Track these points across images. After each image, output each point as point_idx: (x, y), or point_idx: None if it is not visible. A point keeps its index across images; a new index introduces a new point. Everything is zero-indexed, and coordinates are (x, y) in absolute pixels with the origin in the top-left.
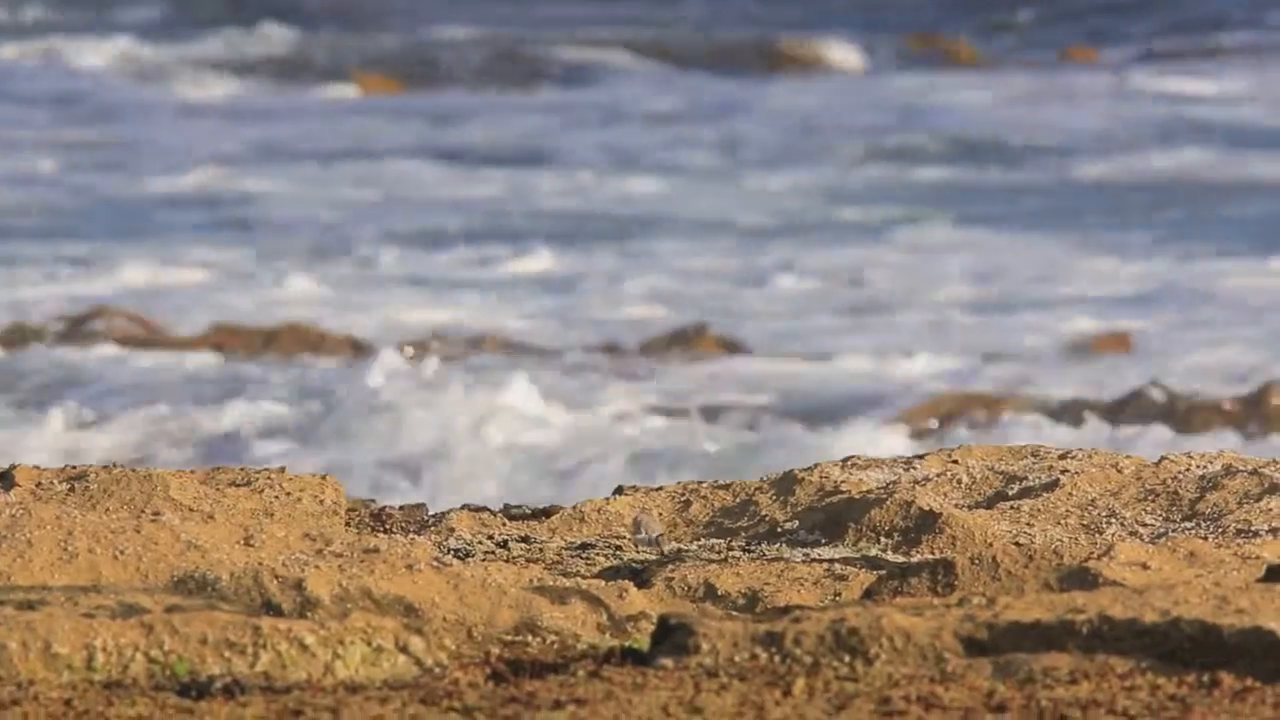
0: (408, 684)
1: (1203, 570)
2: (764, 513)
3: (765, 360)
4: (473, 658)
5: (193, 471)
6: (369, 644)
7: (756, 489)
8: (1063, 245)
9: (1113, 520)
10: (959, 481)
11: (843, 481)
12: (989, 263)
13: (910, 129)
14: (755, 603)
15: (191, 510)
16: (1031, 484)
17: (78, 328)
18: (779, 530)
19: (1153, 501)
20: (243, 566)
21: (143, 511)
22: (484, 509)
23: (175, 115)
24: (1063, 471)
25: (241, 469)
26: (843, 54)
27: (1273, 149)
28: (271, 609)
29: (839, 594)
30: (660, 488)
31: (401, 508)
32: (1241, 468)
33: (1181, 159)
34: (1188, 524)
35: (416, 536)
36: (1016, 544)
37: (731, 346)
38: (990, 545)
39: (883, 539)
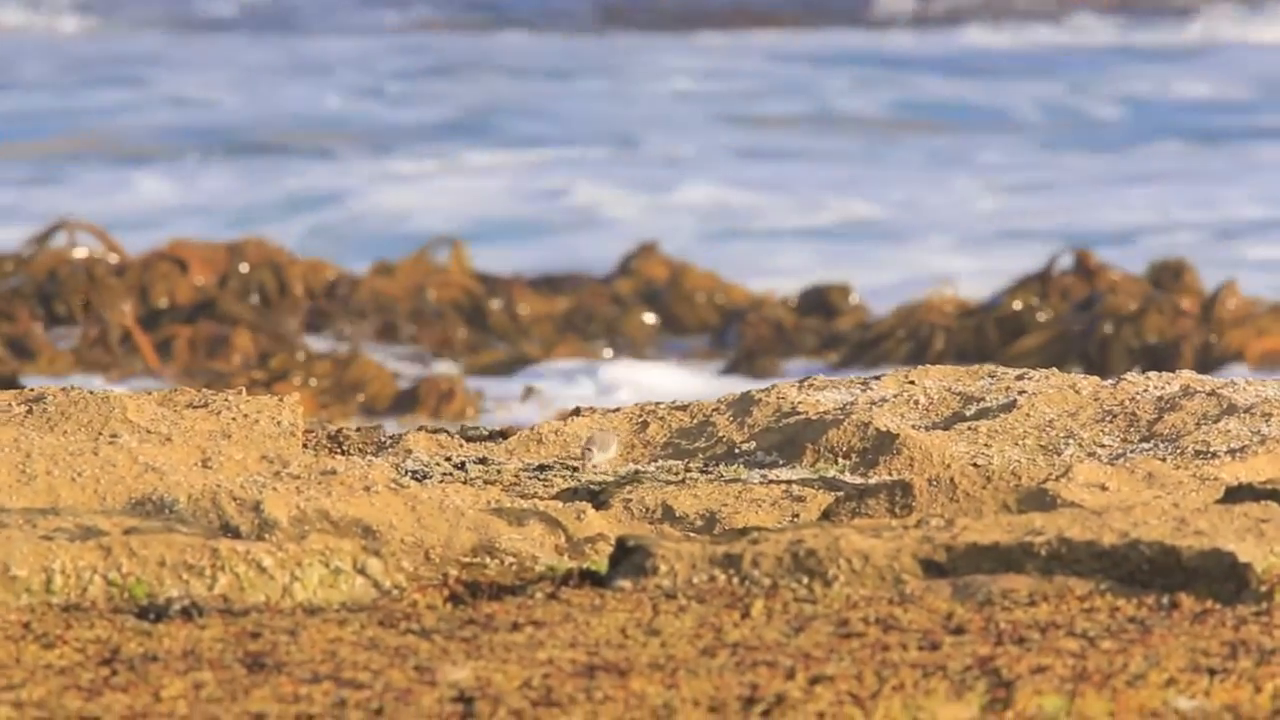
0: (366, 606)
1: (1161, 492)
2: (721, 434)
3: None
4: (431, 580)
5: (150, 394)
6: (327, 566)
7: (714, 410)
8: None
9: (1071, 441)
10: (916, 402)
11: (800, 403)
12: None
13: None
14: (713, 524)
15: (149, 432)
16: (989, 405)
17: None
18: (736, 451)
19: (1111, 423)
20: (200, 488)
21: (100, 434)
22: (441, 430)
23: None
24: (1020, 392)
25: (199, 391)
26: None
27: None
28: (229, 531)
29: (797, 515)
30: (618, 409)
31: (359, 429)
32: (1200, 389)
33: None
34: (1146, 445)
35: (374, 458)
36: (974, 465)
37: None
38: (948, 466)
39: (840, 460)
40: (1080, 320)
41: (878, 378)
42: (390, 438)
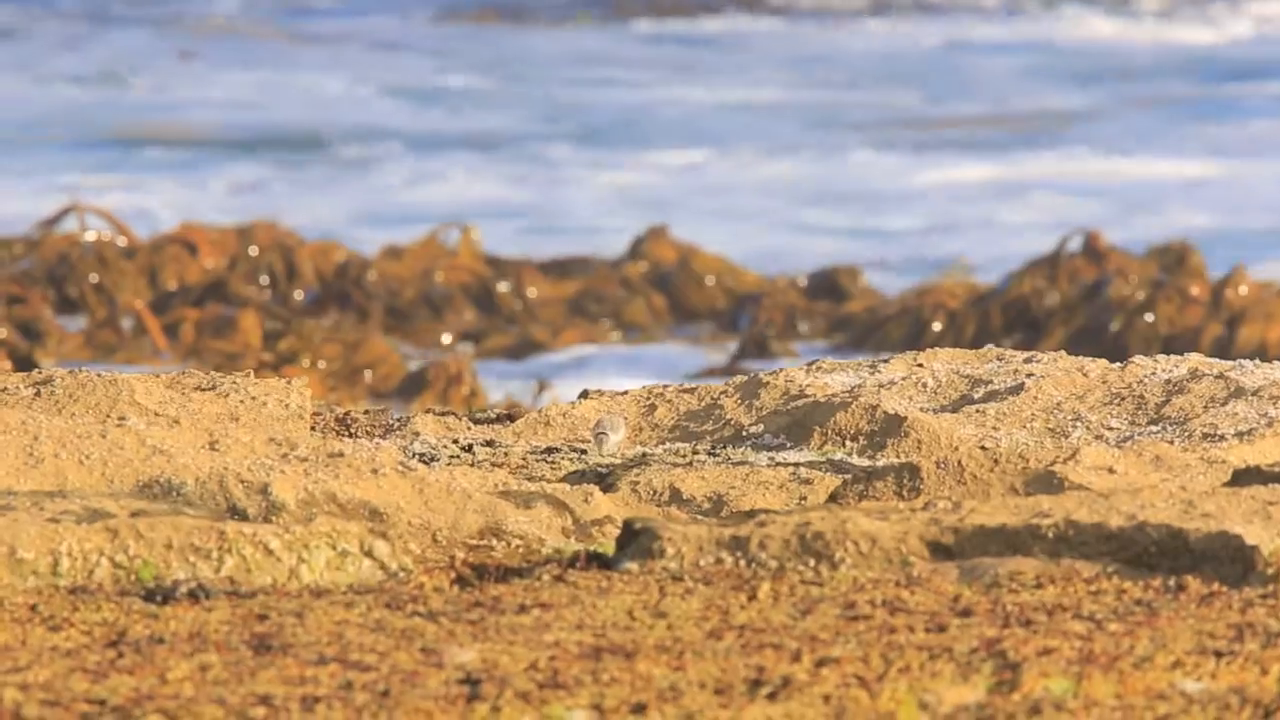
0: (372, 588)
1: (1169, 474)
2: (729, 416)
3: None
4: (438, 562)
5: (158, 376)
6: (334, 548)
7: (722, 393)
8: None
9: (1078, 424)
10: (924, 385)
11: (808, 385)
12: None
13: None
14: (720, 507)
15: (157, 415)
16: (997, 387)
17: None
18: (744, 434)
19: (1119, 405)
20: (208, 471)
21: (108, 416)
22: (449, 412)
23: None
24: (1028, 375)
25: (207, 373)
26: None
27: None
28: (237, 513)
29: (804, 498)
30: (625, 391)
31: (366, 412)
32: (1208, 371)
33: None
34: (1154, 428)
35: (381, 441)
36: (982, 448)
37: None
38: (956, 449)
39: (848, 443)
40: (1089, 308)
41: (886, 360)
42: (398, 420)
